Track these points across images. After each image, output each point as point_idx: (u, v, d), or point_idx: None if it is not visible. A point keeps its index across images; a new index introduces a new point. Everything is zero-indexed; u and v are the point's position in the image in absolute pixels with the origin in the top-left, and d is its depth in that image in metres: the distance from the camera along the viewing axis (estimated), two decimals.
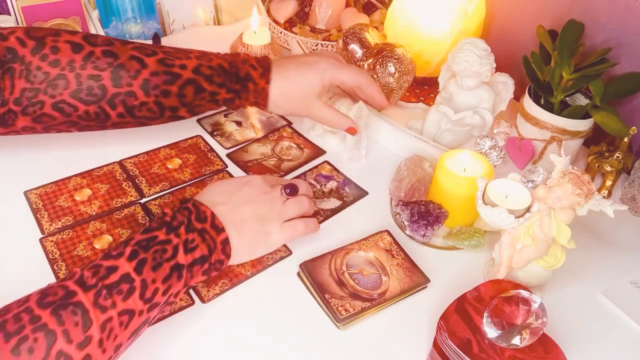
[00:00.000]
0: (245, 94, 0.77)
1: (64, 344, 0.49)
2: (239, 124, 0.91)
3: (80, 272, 0.54)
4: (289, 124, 0.92)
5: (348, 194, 0.80)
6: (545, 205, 0.62)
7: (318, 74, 0.78)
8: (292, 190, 0.70)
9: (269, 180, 0.72)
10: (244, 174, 0.83)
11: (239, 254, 0.66)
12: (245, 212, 0.66)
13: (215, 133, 0.89)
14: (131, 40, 0.76)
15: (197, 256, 0.60)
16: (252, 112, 0.94)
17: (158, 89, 0.73)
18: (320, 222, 0.75)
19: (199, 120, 0.90)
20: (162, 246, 0.58)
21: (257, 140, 0.89)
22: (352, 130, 0.81)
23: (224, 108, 0.84)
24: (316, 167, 0.85)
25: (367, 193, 0.81)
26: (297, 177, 0.83)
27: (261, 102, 0.78)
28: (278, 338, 0.62)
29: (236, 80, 0.76)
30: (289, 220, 0.69)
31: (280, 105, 0.79)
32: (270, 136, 0.90)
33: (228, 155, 0.85)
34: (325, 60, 0.80)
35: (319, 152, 0.88)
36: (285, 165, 0.84)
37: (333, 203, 0.79)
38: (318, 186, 0.81)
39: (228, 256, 0.64)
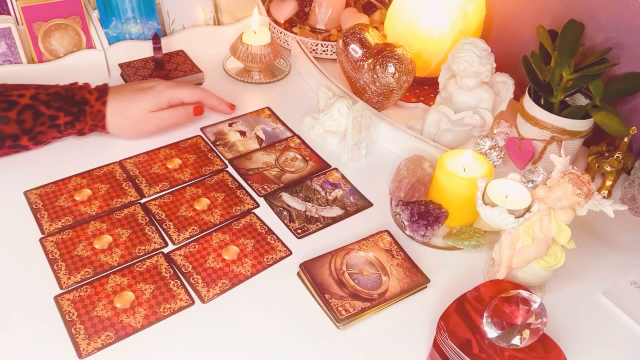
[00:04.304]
0: (83, 117, 0.80)
1: None
2: (243, 134, 0.90)
3: None
4: (297, 135, 0.91)
5: (352, 203, 0.79)
6: (545, 205, 0.62)
7: (154, 96, 0.83)
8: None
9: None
10: (243, 182, 0.82)
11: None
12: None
13: (217, 143, 0.87)
14: None
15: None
16: (257, 122, 0.93)
17: None
18: (319, 229, 0.75)
19: (202, 129, 0.89)
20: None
21: (262, 148, 0.88)
22: (199, 109, 0.88)
23: (68, 136, 0.83)
24: (324, 173, 0.84)
25: (372, 204, 0.80)
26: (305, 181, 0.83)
27: (99, 123, 0.82)
28: (278, 338, 0.62)
29: (72, 103, 0.79)
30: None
31: (118, 124, 0.82)
32: (277, 145, 0.89)
33: (230, 161, 0.84)
34: (162, 84, 0.85)
35: (325, 165, 0.86)
36: (287, 177, 0.83)
37: (335, 212, 0.78)
38: (323, 193, 0.80)
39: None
